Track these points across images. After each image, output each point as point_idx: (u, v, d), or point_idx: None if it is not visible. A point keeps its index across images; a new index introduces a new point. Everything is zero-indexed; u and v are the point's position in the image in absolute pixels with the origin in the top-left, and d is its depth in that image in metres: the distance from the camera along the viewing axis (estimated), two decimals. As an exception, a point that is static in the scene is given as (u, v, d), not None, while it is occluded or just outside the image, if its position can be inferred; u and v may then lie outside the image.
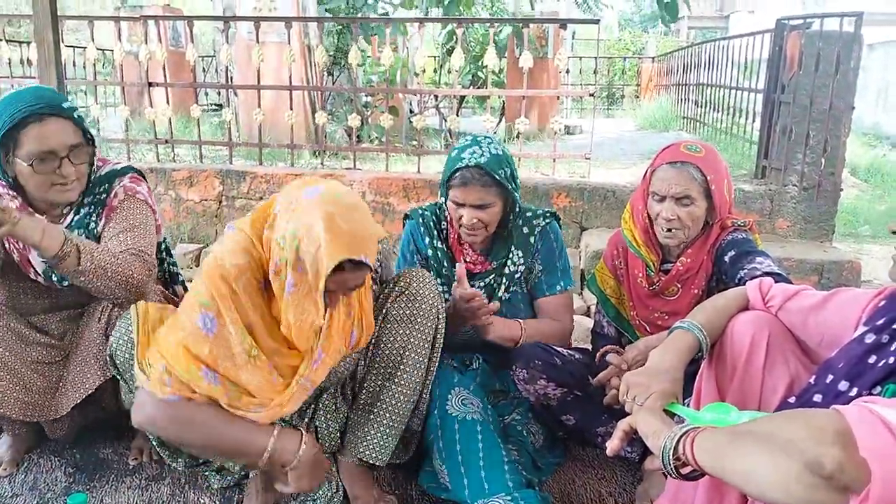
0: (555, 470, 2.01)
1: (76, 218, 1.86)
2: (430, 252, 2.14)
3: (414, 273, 1.78)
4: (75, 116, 1.76)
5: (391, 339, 1.75)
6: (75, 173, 1.77)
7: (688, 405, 1.47)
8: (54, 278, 1.84)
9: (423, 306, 1.74)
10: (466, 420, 1.80)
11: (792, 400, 1.33)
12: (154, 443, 1.67)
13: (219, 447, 1.54)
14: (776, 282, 1.53)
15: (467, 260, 2.12)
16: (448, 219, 2.14)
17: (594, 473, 2.01)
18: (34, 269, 1.85)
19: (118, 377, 1.67)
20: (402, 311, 1.74)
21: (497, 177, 1.92)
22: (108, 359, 1.65)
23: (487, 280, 2.07)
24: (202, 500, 1.82)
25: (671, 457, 1.15)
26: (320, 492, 1.74)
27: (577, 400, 1.99)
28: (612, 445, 1.33)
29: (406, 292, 1.75)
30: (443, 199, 2.06)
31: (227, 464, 1.74)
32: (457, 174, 1.94)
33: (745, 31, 5.67)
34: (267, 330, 1.53)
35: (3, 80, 5.32)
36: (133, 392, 1.58)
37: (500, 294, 2.09)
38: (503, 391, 2.11)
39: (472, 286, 2.06)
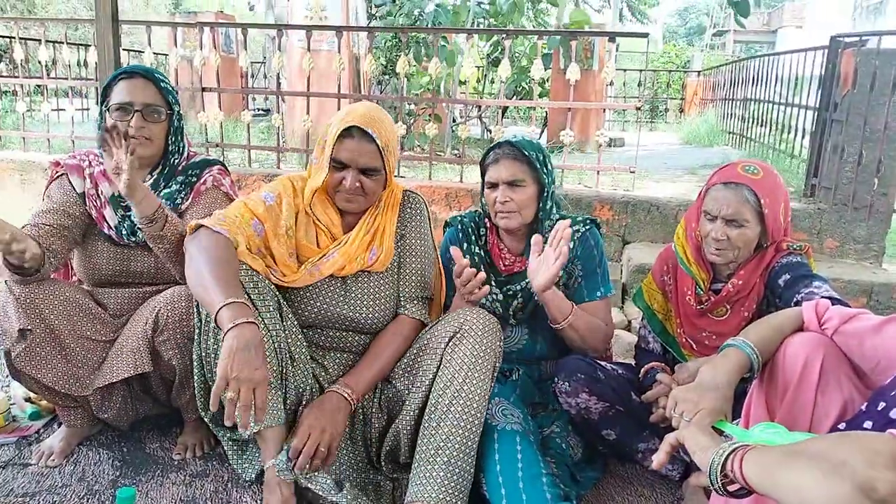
0: (593, 484, 1.99)
1: (167, 191, 2.03)
2: (467, 257, 2.15)
3: (473, 313, 1.80)
4: (161, 82, 2.01)
5: (451, 379, 1.73)
6: (146, 131, 1.97)
7: (736, 425, 1.45)
8: (124, 233, 1.99)
9: (485, 346, 1.75)
10: (506, 430, 1.80)
11: (842, 426, 1.31)
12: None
13: (200, 281, 1.60)
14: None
15: (505, 263, 2.14)
16: (487, 224, 2.16)
17: (633, 490, 1.99)
18: (107, 223, 2.01)
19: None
20: (464, 352, 1.74)
21: (527, 154, 1.99)
22: (146, 354, 1.86)
23: (525, 284, 2.07)
24: (244, 499, 1.85)
25: (719, 473, 1.14)
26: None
27: (618, 415, 1.97)
28: (659, 459, 1.33)
29: (462, 331, 1.77)
30: (481, 196, 2.13)
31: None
32: (490, 153, 2.07)
33: (793, 46, 5.60)
34: (305, 228, 1.90)
35: (62, 80, 5.50)
36: (185, 389, 1.78)
37: (537, 298, 2.08)
38: (542, 404, 2.11)
39: (509, 290, 2.09)
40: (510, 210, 2.02)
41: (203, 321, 1.71)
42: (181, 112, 2.11)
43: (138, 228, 1.90)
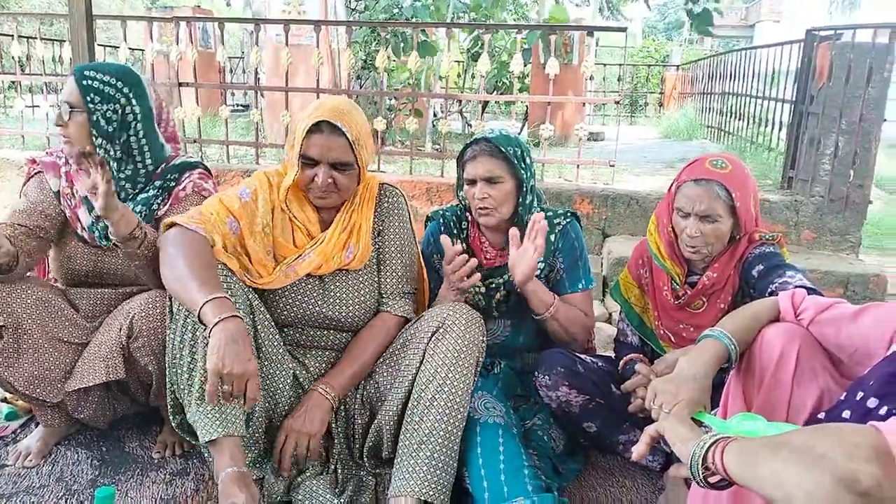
0: (575, 476, 2.00)
1: (143, 196, 1.98)
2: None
3: (456, 308, 1.81)
4: (80, 81, 1.87)
5: (434, 373, 1.73)
6: (66, 130, 1.90)
7: (714, 415, 1.46)
8: (97, 234, 1.96)
9: (467, 341, 1.75)
10: (489, 423, 1.80)
11: (821, 416, 1.32)
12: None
13: (179, 280, 1.59)
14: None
15: (487, 257, 2.14)
16: (468, 217, 2.16)
17: (615, 481, 2.00)
18: (81, 223, 1.98)
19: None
20: (447, 347, 1.74)
21: (504, 150, 1.98)
22: (119, 361, 1.84)
23: (507, 277, 2.08)
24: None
25: (700, 465, 1.15)
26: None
27: (598, 407, 1.98)
28: (639, 450, 1.34)
29: (445, 325, 1.76)
30: (458, 189, 2.13)
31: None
32: (467, 149, 2.06)
33: (771, 40, 5.64)
34: (282, 225, 1.88)
35: (37, 77, 5.41)
36: (163, 392, 1.73)
37: (519, 290, 2.09)
38: (524, 396, 2.12)
39: (492, 283, 2.09)
40: (489, 206, 2.02)
41: (175, 316, 1.67)
42: (124, 109, 1.92)
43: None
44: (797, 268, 1.80)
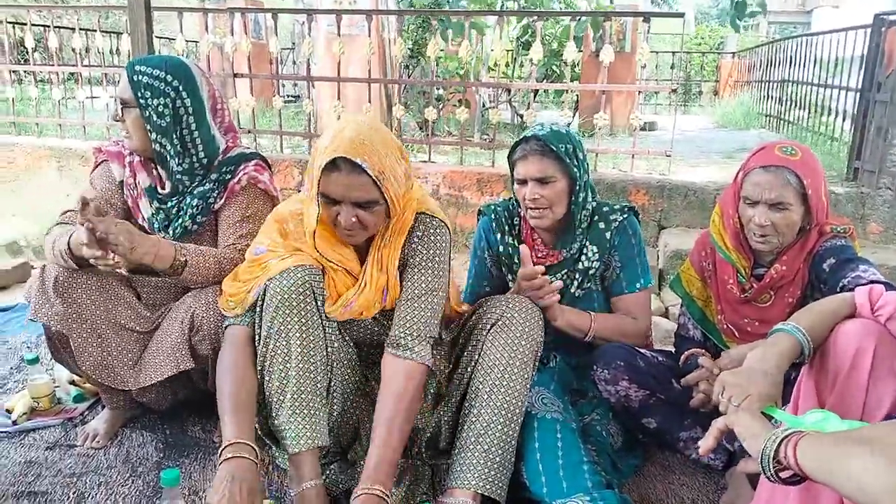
0: (634, 472, 1.97)
1: (199, 189, 1.99)
2: (501, 248, 2.13)
3: (515, 300, 1.78)
4: (132, 77, 1.90)
5: (492, 367, 1.71)
6: (124, 125, 1.95)
7: (785, 410, 1.42)
8: (156, 226, 2.00)
9: (526, 334, 1.73)
10: (546, 419, 1.79)
11: (900, 413, 1.27)
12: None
13: (219, 402, 1.64)
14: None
15: (539, 255, 2.10)
16: (520, 213, 2.12)
17: (675, 479, 1.96)
18: (142, 213, 2.02)
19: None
20: (505, 340, 1.72)
21: (555, 149, 1.90)
22: (187, 352, 1.88)
23: (560, 276, 2.04)
24: (287, 482, 1.86)
25: (772, 460, 1.12)
26: None
27: (659, 403, 1.95)
28: (706, 445, 1.31)
29: (504, 318, 1.74)
30: (512, 189, 2.06)
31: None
32: (517, 148, 1.98)
33: (829, 26, 5.45)
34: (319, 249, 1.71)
35: (96, 68, 5.56)
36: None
37: (573, 291, 2.06)
38: (581, 391, 2.09)
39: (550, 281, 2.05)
40: (541, 206, 1.96)
41: (264, 322, 1.66)
42: (175, 103, 1.92)
43: (170, 225, 1.97)
44: (871, 262, 1.73)
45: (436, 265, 1.75)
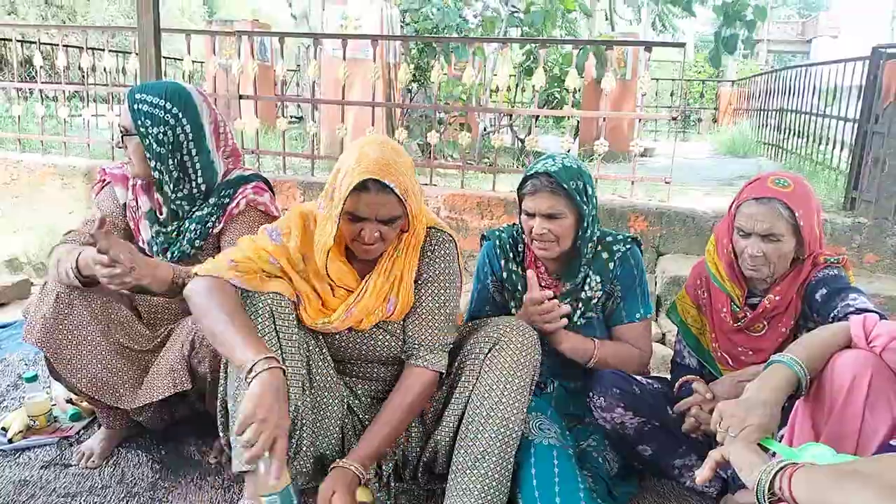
0: (629, 500, 1.97)
1: (198, 213, 2.01)
2: (504, 275, 2.14)
3: (512, 324, 1.79)
4: (132, 106, 1.92)
5: (489, 390, 1.72)
6: (127, 151, 1.98)
7: (781, 441, 1.43)
8: (155, 249, 2.02)
9: (523, 358, 1.74)
10: (543, 445, 1.79)
11: (894, 443, 1.28)
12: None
13: (220, 336, 1.58)
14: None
15: (542, 283, 2.09)
16: (524, 240, 2.14)
17: (670, 506, 1.96)
18: (142, 237, 2.04)
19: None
20: (502, 364, 1.73)
21: (566, 186, 1.90)
22: (185, 373, 1.86)
23: (563, 304, 2.05)
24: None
25: (766, 491, 1.12)
26: None
27: (654, 430, 1.95)
28: (702, 475, 1.32)
29: (501, 343, 1.75)
30: (519, 217, 2.07)
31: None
32: (528, 182, 1.97)
33: (828, 56, 5.52)
34: (318, 268, 1.74)
35: (102, 87, 5.62)
36: (216, 398, 1.73)
37: (575, 319, 2.06)
38: (578, 416, 2.10)
39: None
40: (548, 241, 1.97)
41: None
42: (174, 130, 1.93)
43: (169, 249, 1.98)
44: (861, 290, 1.74)
45: (448, 278, 1.83)
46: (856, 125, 4.18)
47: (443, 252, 1.83)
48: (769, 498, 1.13)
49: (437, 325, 1.81)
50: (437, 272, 1.82)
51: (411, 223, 1.74)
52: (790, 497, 1.08)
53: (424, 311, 1.81)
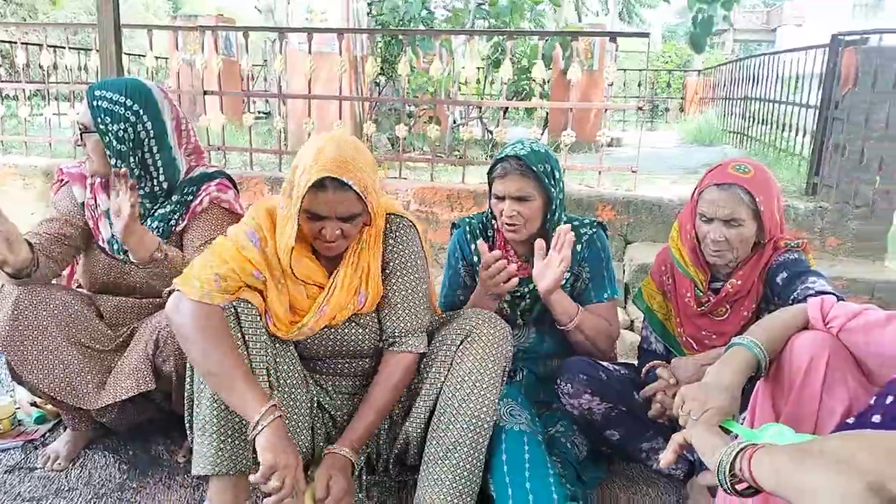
0: (598, 484, 1.99)
1: (161, 211, 1.98)
2: (475, 258, 2.16)
3: (484, 316, 1.81)
4: (91, 102, 1.89)
5: (462, 381, 1.73)
6: (85, 149, 1.96)
7: (742, 424, 1.45)
8: (115, 248, 1.99)
9: (495, 350, 1.75)
10: (514, 431, 1.80)
11: (851, 421, 1.31)
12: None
13: (222, 380, 1.57)
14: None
15: (507, 265, 2.12)
16: (494, 226, 2.16)
17: (638, 489, 1.99)
18: (102, 235, 2.00)
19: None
20: (475, 355, 1.74)
21: (535, 169, 1.95)
22: (149, 373, 1.84)
23: (532, 287, 2.08)
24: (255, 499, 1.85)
25: (728, 473, 1.15)
26: None
27: (621, 415, 1.97)
28: (666, 459, 1.34)
29: (474, 334, 1.76)
30: (489, 202, 2.10)
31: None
32: (497, 166, 2.01)
33: (793, 45, 5.60)
34: (292, 280, 1.73)
35: (64, 85, 5.51)
36: (183, 398, 1.73)
37: (544, 300, 2.09)
38: (547, 403, 2.12)
39: (517, 292, 2.09)
40: (517, 223, 2.00)
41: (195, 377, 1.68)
42: (135, 127, 1.91)
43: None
44: (821, 273, 1.78)
45: (414, 263, 1.84)
46: (817, 112, 4.25)
47: (405, 237, 1.83)
48: (730, 479, 1.15)
49: (412, 310, 1.83)
50: (403, 259, 1.83)
51: (374, 217, 1.73)
52: (750, 477, 1.10)
53: (398, 300, 1.82)
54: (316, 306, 1.74)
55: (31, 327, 1.83)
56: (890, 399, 1.22)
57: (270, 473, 1.46)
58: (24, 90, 5.28)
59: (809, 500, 0.96)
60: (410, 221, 1.86)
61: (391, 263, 1.82)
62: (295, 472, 1.50)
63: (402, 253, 1.82)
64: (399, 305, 1.82)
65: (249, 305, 1.68)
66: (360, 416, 1.76)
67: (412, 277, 1.84)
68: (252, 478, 1.48)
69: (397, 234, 1.83)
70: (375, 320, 1.85)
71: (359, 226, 1.71)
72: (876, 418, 1.22)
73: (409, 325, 1.82)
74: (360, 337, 1.83)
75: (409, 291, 1.83)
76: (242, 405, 1.55)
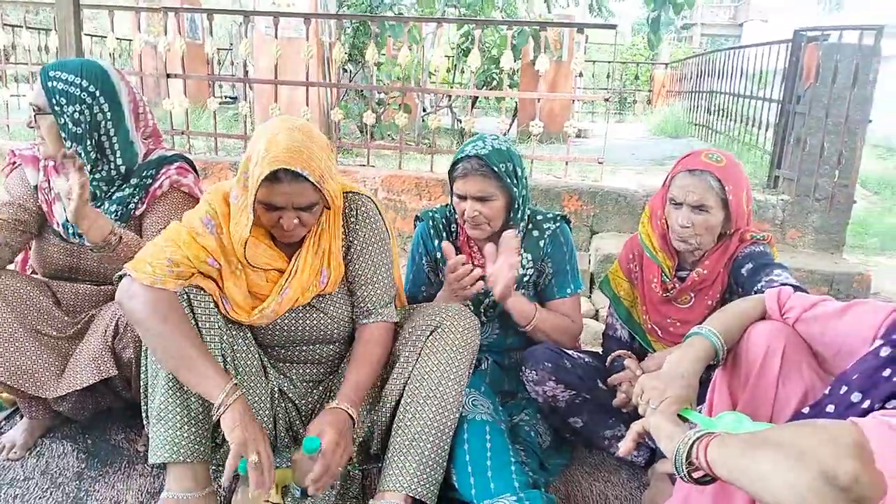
0: (561, 471, 2.02)
1: (119, 194, 1.94)
2: (438, 254, 2.15)
3: (454, 309, 1.82)
4: (46, 83, 1.85)
5: (429, 373, 1.73)
6: (38, 131, 1.90)
7: (701, 412, 1.48)
8: (70, 231, 1.94)
9: (463, 343, 1.77)
10: (476, 421, 1.81)
11: (805, 410, 1.34)
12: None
13: (182, 363, 1.57)
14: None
15: (476, 262, 2.11)
16: (458, 221, 2.15)
17: (600, 476, 2.02)
18: (56, 219, 1.95)
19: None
20: (443, 347, 1.75)
21: (496, 169, 1.92)
22: (109, 360, 1.81)
23: (475, 269, 2.07)
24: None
25: (684, 461, 1.16)
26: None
27: (585, 403, 1.99)
28: (625, 447, 1.35)
29: (443, 326, 1.77)
30: (450, 199, 2.08)
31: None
32: (458, 165, 1.97)
33: (759, 39, 5.67)
34: (251, 268, 1.72)
35: (23, 66, 5.35)
36: (141, 387, 1.71)
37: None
38: (511, 392, 2.13)
39: (481, 290, 2.07)
40: (480, 223, 1.99)
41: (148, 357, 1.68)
42: (91, 109, 1.87)
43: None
44: (785, 266, 1.82)
45: (377, 240, 1.84)
46: (779, 106, 4.32)
47: (364, 214, 1.82)
48: (687, 467, 1.17)
49: (381, 283, 1.85)
50: (365, 238, 1.82)
51: (332, 203, 1.70)
52: (706, 466, 1.12)
53: (365, 278, 1.83)
54: (278, 289, 1.73)
55: None
56: (844, 389, 1.24)
57: (243, 450, 1.47)
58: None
59: (762, 488, 0.98)
60: (368, 197, 1.85)
61: (354, 243, 1.82)
62: (265, 444, 1.51)
63: (363, 231, 1.82)
64: (369, 282, 1.83)
65: (202, 292, 1.66)
66: (349, 376, 1.74)
67: (377, 253, 1.84)
68: (223, 479, 1.47)
69: (357, 212, 1.82)
70: (338, 304, 1.84)
71: (317, 214, 1.69)
72: (830, 408, 1.24)
73: (380, 298, 1.84)
74: (323, 323, 1.82)
75: (376, 269, 1.84)
76: (204, 386, 1.54)
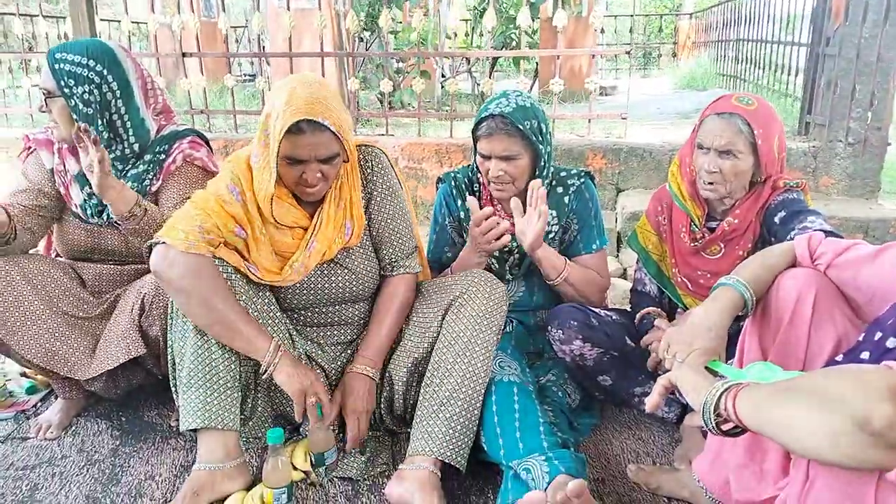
0: (591, 430, 2.00)
1: (133, 172, 1.95)
2: (462, 214, 2.13)
3: (480, 275, 1.82)
4: (53, 66, 1.84)
5: (456, 338, 1.74)
6: (51, 114, 1.91)
7: (731, 365, 1.44)
8: (89, 212, 1.96)
9: (490, 308, 1.76)
10: (503, 382, 1.80)
11: (839, 358, 1.29)
12: None
13: (229, 326, 1.64)
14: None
15: (499, 222, 2.09)
16: (480, 181, 2.12)
17: (631, 434, 2.00)
18: (73, 201, 1.97)
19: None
20: (469, 312, 1.75)
21: (521, 127, 1.89)
22: (137, 338, 1.84)
23: (502, 221, 2.05)
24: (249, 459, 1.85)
25: (712, 413, 1.13)
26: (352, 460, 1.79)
27: (613, 360, 1.96)
28: (652, 401, 1.33)
29: (470, 292, 1.77)
30: (474, 158, 2.05)
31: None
32: (482, 124, 1.94)
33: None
34: (276, 227, 1.74)
35: (41, 55, 5.39)
36: (168, 361, 1.75)
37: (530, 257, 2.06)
38: (538, 352, 2.12)
39: (505, 247, 2.05)
40: (504, 182, 1.96)
41: (175, 317, 1.72)
42: (100, 88, 1.87)
43: (105, 210, 1.91)
44: (819, 213, 1.75)
45: (392, 191, 1.89)
46: (808, 49, 4.17)
47: (380, 166, 1.87)
48: (715, 419, 1.14)
49: (403, 235, 1.91)
50: (383, 188, 1.87)
51: (351, 155, 1.73)
52: (735, 416, 1.09)
53: (390, 229, 1.88)
54: (304, 243, 1.75)
55: (11, 299, 1.81)
56: (879, 335, 1.20)
57: (301, 398, 1.65)
58: (1, 61, 5.17)
59: (793, 437, 0.95)
60: (379, 149, 1.91)
61: (374, 194, 1.86)
62: (321, 386, 1.71)
63: (382, 183, 1.87)
64: (390, 236, 1.89)
65: (225, 263, 1.68)
66: (370, 334, 1.86)
67: (396, 204, 1.89)
68: (311, 423, 1.68)
69: (372, 163, 1.86)
70: (363, 260, 1.86)
71: (337, 166, 1.72)
72: (865, 355, 1.20)
73: (403, 249, 1.90)
74: (350, 280, 1.84)
75: (397, 218, 1.89)
76: (250, 347, 1.65)
